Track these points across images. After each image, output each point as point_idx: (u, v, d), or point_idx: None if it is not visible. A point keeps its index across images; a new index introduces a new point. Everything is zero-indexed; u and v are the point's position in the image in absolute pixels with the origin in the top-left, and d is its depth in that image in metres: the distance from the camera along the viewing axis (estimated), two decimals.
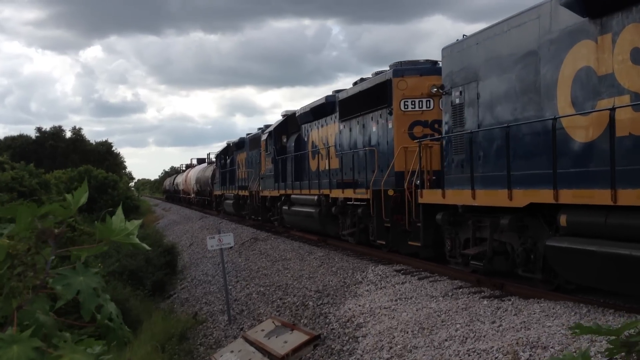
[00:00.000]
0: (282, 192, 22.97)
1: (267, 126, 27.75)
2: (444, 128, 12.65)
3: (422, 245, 13.05)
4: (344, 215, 17.56)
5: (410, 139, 14.58)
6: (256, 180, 27.76)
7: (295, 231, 22.70)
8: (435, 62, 15.14)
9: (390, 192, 14.21)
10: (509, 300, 9.51)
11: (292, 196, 21.73)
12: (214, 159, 44.24)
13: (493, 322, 8.27)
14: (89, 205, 36.21)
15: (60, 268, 2.03)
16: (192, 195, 51.59)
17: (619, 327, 1.84)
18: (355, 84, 17.73)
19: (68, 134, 67.11)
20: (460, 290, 10.72)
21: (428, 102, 14.94)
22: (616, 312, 8.04)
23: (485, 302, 9.54)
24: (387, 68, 16.24)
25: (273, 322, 11.76)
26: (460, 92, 11.88)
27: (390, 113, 15.11)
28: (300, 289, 13.65)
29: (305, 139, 22.02)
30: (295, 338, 10.57)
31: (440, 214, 12.08)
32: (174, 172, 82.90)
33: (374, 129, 16.13)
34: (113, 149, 71.28)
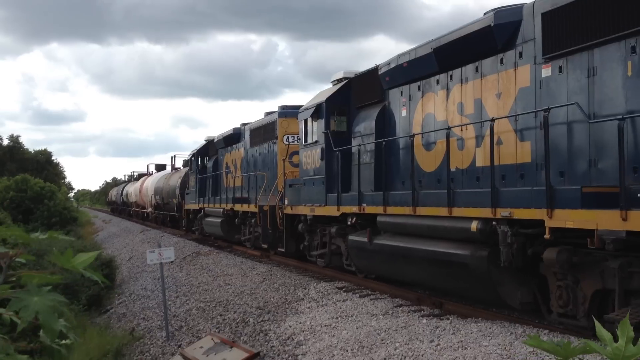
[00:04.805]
0: (352, 209, 13.19)
1: (285, 107, 18.50)
2: None
3: None
4: (579, 273, 7.97)
5: None
6: (270, 190, 18.79)
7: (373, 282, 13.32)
8: None
9: None
10: (448, 319, 9.63)
11: (381, 219, 12.15)
12: (181, 166, 35.70)
13: (431, 341, 8.34)
14: (25, 216, 35.17)
15: (12, 290, 1.99)
16: (150, 209, 40.78)
17: (575, 346, 1.84)
18: None
19: (5, 142, 65.24)
20: (401, 308, 10.80)
21: None
22: (551, 333, 8.24)
23: (424, 320, 9.63)
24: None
25: (212, 338, 11.58)
26: None
27: None
28: (241, 305, 13.51)
29: (404, 114, 12.58)
30: (235, 355, 10.42)
31: None
32: (121, 182, 77.52)
33: None
34: (53, 158, 69.66)
